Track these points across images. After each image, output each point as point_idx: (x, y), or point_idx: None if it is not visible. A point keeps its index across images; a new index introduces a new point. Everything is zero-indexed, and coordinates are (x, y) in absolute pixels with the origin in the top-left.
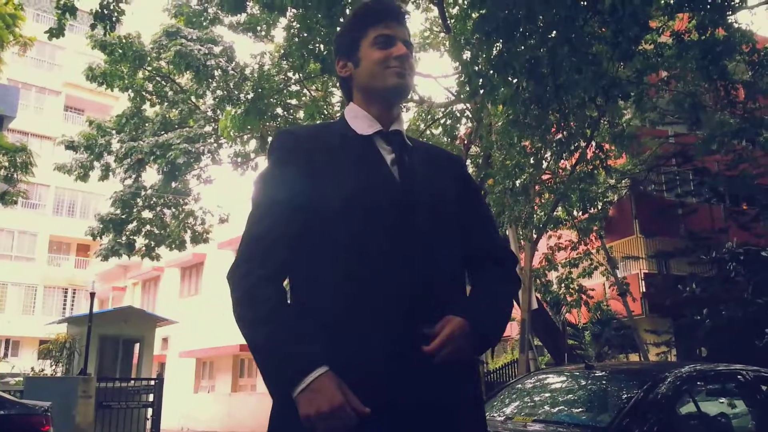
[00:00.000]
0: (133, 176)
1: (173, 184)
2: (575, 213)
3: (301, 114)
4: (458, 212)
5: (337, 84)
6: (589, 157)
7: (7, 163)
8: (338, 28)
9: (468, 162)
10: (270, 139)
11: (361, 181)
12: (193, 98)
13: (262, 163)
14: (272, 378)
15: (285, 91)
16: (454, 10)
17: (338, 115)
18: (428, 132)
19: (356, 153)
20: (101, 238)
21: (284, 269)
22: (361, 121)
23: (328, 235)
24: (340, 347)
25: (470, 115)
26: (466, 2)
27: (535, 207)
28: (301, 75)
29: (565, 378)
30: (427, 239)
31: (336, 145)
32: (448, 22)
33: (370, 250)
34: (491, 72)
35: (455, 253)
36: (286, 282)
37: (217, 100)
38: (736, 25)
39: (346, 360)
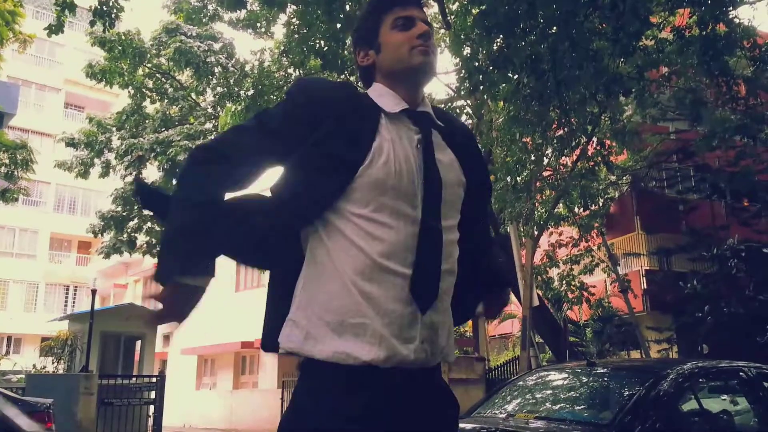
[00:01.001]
0: (134, 173)
1: (174, 181)
2: (576, 210)
3: None
4: (472, 204)
5: (337, 81)
6: (590, 153)
7: (7, 161)
8: (338, 26)
9: None
10: None
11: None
12: (193, 95)
13: None
14: (169, 254)
15: (285, 88)
16: (454, 6)
17: None
18: None
19: (362, 123)
20: (102, 235)
21: (245, 178)
22: (387, 99)
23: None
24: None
25: (471, 112)
26: None
27: (536, 204)
28: (301, 71)
29: (566, 375)
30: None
31: (362, 115)
32: (448, 18)
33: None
34: (491, 68)
35: (463, 242)
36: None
37: (217, 96)
38: (737, 21)
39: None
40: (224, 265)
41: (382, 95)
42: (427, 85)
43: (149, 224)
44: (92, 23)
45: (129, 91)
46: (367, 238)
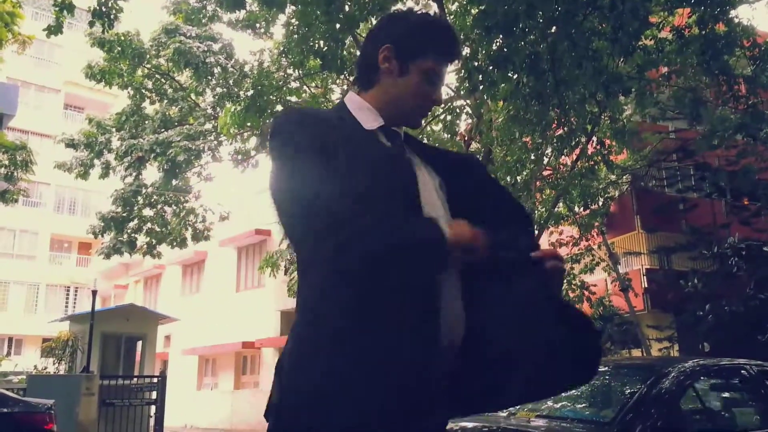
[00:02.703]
0: (134, 174)
1: (174, 182)
2: (576, 209)
3: None
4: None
5: (336, 81)
6: (589, 152)
7: (7, 162)
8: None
9: None
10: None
11: (371, 176)
12: (192, 96)
13: (263, 160)
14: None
15: (284, 88)
16: (454, 6)
17: None
18: (428, 128)
19: (365, 146)
20: (102, 236)
21: None
22: (365, 114)
23: None
24: (354, 354)
25: (470, 111)
26: None
27: (537, 203)
28: (300, 72)
29: None
30: None
31: (347, 135)
32: (448, 17)
33: None
34: (491, 68)
35: None
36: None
37: (216, 97)
38: (736, 20)
39: (363, 377)
40: (223, 266)
41: (362, 109)
42: None
43: (149, 225)
44: (91, 24)
45: (128, 92)
46: None
